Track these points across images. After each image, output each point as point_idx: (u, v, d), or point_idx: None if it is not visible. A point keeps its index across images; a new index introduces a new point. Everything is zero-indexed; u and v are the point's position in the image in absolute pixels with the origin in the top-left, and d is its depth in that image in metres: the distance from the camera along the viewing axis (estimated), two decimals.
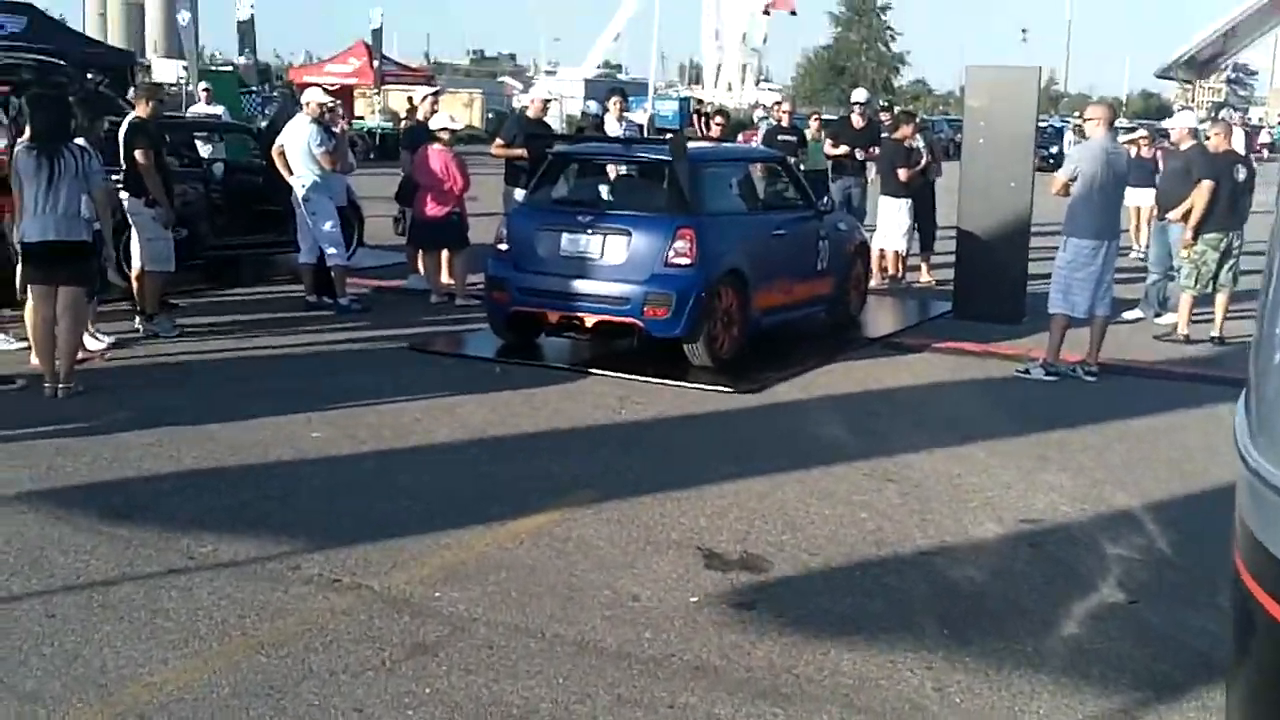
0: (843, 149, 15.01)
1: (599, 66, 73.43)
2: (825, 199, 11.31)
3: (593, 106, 16.36)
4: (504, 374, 9.41)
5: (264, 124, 14.66)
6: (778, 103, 19.35)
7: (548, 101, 14.10)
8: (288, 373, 9.25)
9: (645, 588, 5.33)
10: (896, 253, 14.30)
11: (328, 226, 11.66)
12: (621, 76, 66.27)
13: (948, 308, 12.52)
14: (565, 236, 9.69)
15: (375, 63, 36.99)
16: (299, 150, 11.66)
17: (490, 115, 48.19)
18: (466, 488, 6.65)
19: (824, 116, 18.95)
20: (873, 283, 13.70)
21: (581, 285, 9.53)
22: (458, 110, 40.20)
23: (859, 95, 16.73)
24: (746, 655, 4.72)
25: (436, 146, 12.17)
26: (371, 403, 8.35)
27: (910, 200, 14.07)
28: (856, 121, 15.50)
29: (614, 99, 14.97)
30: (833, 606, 5.22)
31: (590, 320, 9.52)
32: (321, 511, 6.23)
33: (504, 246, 10.03)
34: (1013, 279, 12.05)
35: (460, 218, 12.29)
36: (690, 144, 10.53)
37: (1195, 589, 5.54)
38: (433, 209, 12.18)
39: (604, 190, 10.33)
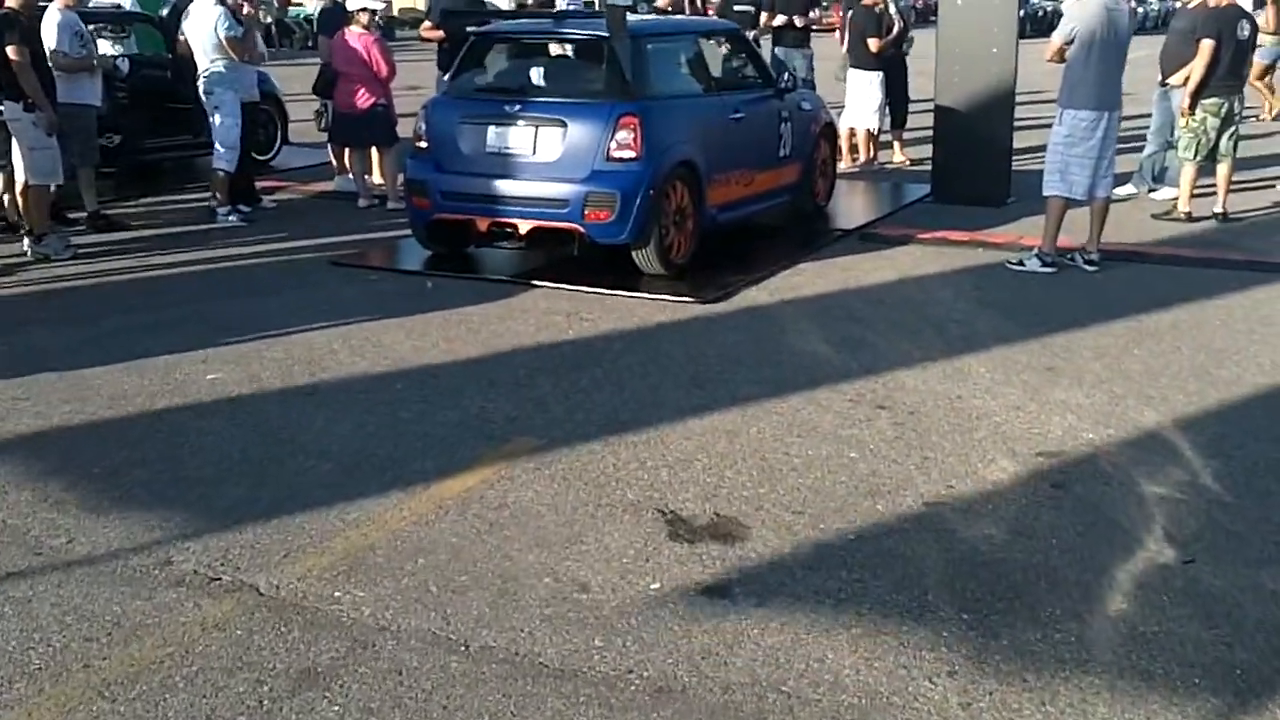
0: (779, 19, 13.74)
1: None
2: (785, 75, 10.12)
3: None
4: (435, 290, 8.33)
5: (165, 12, 13.18)
6: None
7: None
8: (189, 298, 8.12)
9: (595, 573, 4.34)
10: (868, 131, 13.15)
11: (224, 122, 10.41)
12: None
13: (926, 191, 11.44)
14: (491, 130, 8.51)
15: None
16: (203, 38, 10.37)
17: None
18: (384, 439, 5.62)
19: None
20: (842, 165, 12.64)
21: (512, 186, 8.39)
22: None
23: None
24: (722, 667, 3.75)
25: (355, 29, 10.89)
26: (282, 332, 7.26)
27: (882, 73, 12.88)
28: None
29: None
30: (825, 586, 4.25)
31: (524, 226, 8.40)
32: (207, 481, 5.18)
33: (423, 144, 8.85)
34: (996, 156, 10.99)
35: (387, 110, 11.07)
36: (632, 17, 9.31)
37: (1257, 537, 4.60)
38: (354, 100, 10.94)
39: (534, 75, 9.12)
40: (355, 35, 10.85)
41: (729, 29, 10.55)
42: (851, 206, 11.29)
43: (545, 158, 8.35)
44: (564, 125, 8.32)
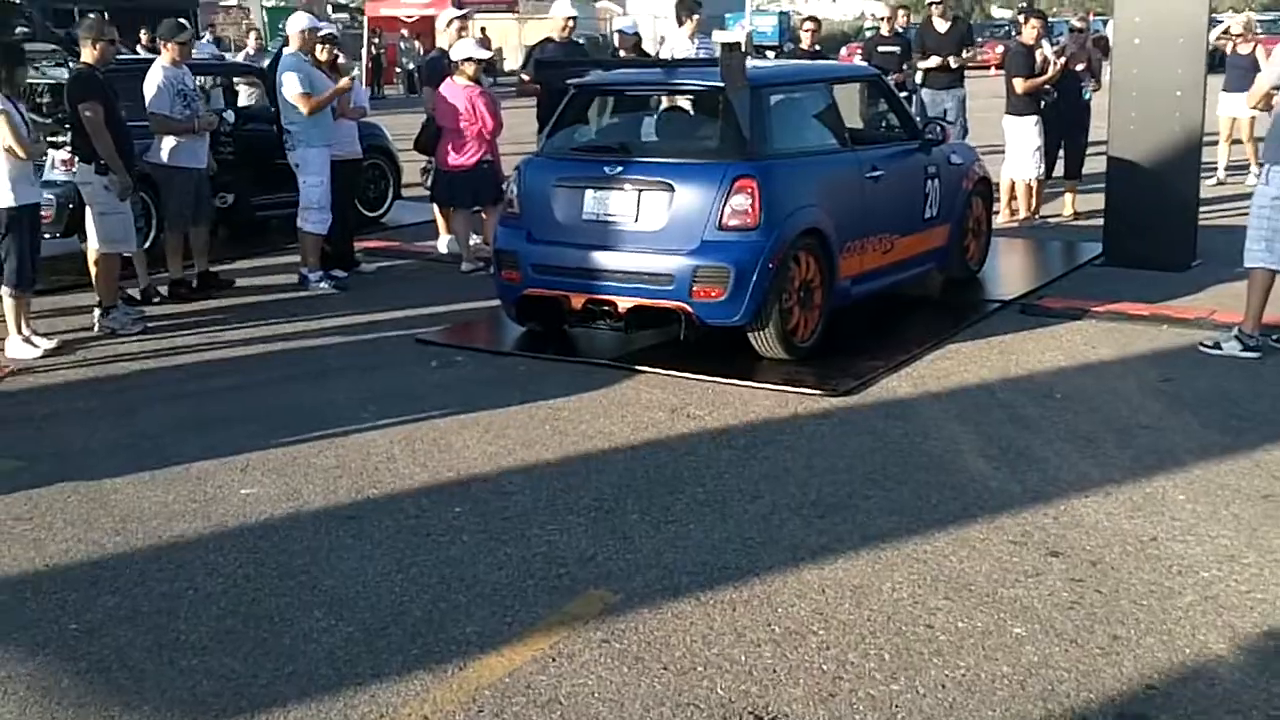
0: (933, 60, 12.48)
1: None
2: (933, 125, 8.86)
3: (628, 24, 13.55)
4: (528, 374, 7.28)
5: (266, 63, 12.52)
6: (888, 16, 15.27)
7: (572, 20, 11.55)
8: (251, 384, 7.22)
9: None
10: (1028, 184, 11.78)
11: (308, 181, 9.56)
12: None
13: (1097, 251, 10.06)
14: (589, 195, 7.45)
15: None
16: (283, 92, 9.58)
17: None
18: (423, 590, 4.54)
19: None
20: (1000, 220, 11.33)
21: (610, 259, 7.31)
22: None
23: None
24: None
25: (459, 81, 9.98)
26: (342, 430, 6.29)
27: (1038, 116, 11.53)
28: (938, 24, 12.88)
29: (687, 12, 12.40)
30: None
31: (624, 304, 7.30)
32: (197, 648, 4.17)
33: (514, 210, 7.84)
34: (1180, 213, 9.60)
35: (493, 167, 10.16)
36: (754, 63, 8.18)
37: None
38: (457, 158, 10.03)
39: (637, 132, 8.07)
40: (459, 88, 9.95)
41: (867, 75, 9.38)
42: (1010, 271, 9.97)
43: (648, 226, 7.26)
44: (670, 189, 7.22)
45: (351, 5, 50.56)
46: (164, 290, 9.28)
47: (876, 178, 8.04)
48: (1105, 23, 14.93)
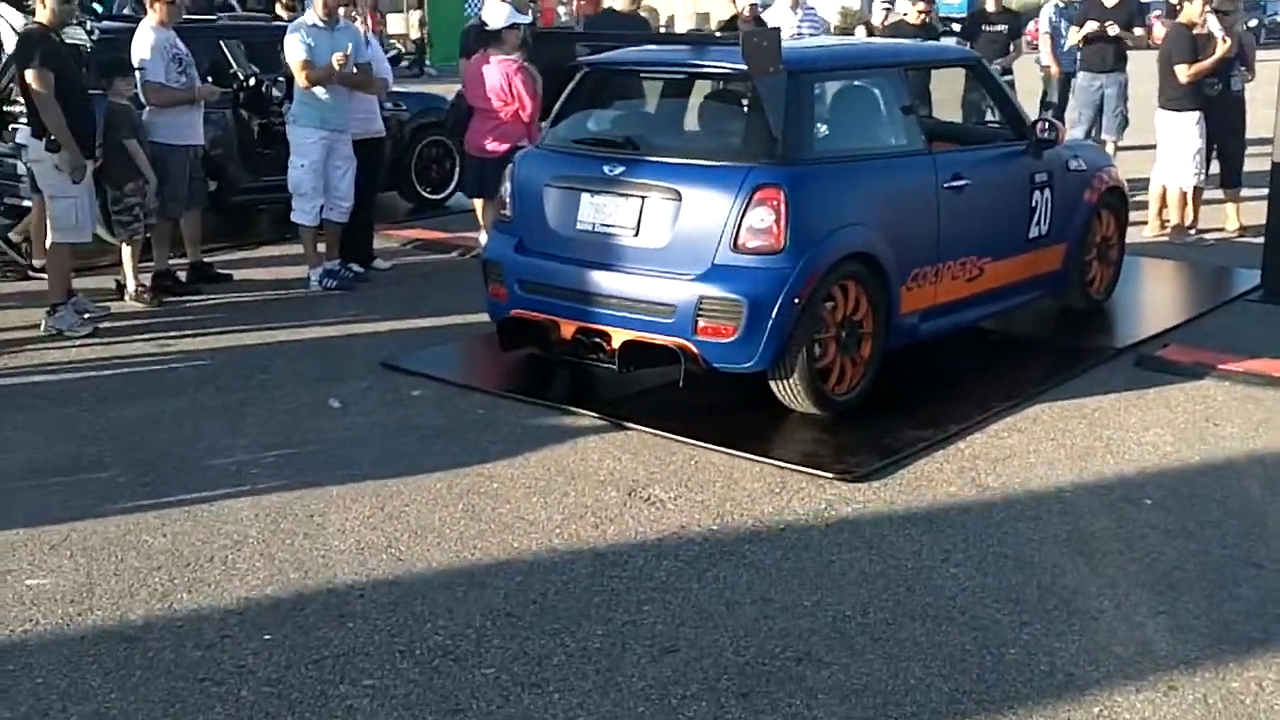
0: (1089, 26, 10.60)
1: None
2: (1042, 121, 7.08)
3: None
4: (483, 421, 5.89)
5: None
6: None
7: None
8: (152, 417, 5.95)
9: None
10: (1182, 190, 9.83)
11: (294, 163, 8.28)
12: None
13: (1256, 282, 8.16)
14: (585, 200, 6.02)
15: None
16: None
17: None
18: None
19: None
20: (1148, 233, 9.50)
21: (605, 280, 5.87)
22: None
23: None
24: None
25: (497, 55, 8.60)
26: (207, 495, 5.01)
27: (1200, 113, 9.56)
28: None
29: None
30: None
31: (618, 338, 5.85)
32: None
33: (506, 212, 6.45)
34: None
35: None
36: (792, 43, 6.59)
37: None
38: (489, 142, 8.66)
39: (649, 124, 6.56)
40: (496, 62, 8.57)
41: (960, 57, 7.66)
42: (1141, 303, 8.16)
43: (650, 242, 5.79)
44: (677, 197, 5.73)
45: None
46: (144, 284, 8.13)
47: (959, 188, 6.38)
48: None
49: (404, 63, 25.09)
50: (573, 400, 6.10)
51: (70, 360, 6.86)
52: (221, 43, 10.21)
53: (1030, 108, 8.27)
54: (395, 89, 10.15)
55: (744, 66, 5.67)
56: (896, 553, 4.50)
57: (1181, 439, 5.62)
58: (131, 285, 7.98)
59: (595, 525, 4.73)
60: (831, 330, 5.79)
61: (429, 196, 11.33)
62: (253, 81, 9.82)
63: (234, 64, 10.21)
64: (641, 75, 6.73)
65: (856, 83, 6.45)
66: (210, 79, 9.12)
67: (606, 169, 5.95)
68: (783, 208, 5.53)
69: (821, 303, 5.69)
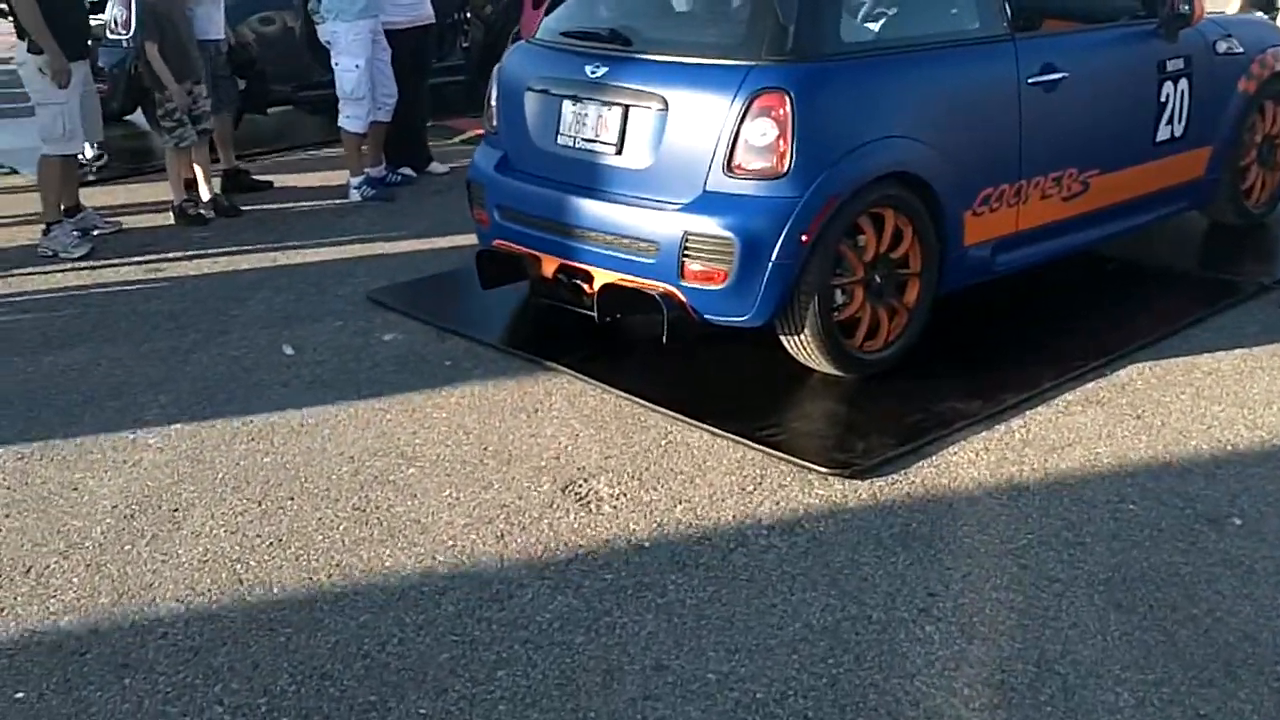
0: None
1: None
2: None
3: None
4: (450, 371, 4.98)
5: None
6: None
7: None
8: (90, 370, 5.21)
9: None
10: None
11: (341, 63, 7.38)
12: None
13: None
14: (566, 108, 4.95)
15: None
16: None
17: None
18: None
19: None
20: None
21: (586, 209, 4.81)
22: None
23: None
24: None
25: None
26: (97, 475, 4.24)
27: None
28: None
29: None
30: None
31: (600, 278, 4.81)
32: None
33: (491, 121, 5.42)
34: None
35: None
36: None
37: None
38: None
39: (645, 11, 5.37)
40: None
41: None
42: None
43: (634, 162, 4.70)
44: (664, 105, 4.60)
45: None
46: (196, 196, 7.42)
47: (1052, 83, 5.05)
48: None
49: None
50: (559, 351, 5.09)
51: (50, 289, 6.22)
52: None
53: None
54: None
55: None
56: (864, 596, 3.39)
57: None
58: (176, 197, 7.27)
59: (501, 535, 3.77)
60: (859, 273, 4.61)
61: None
62: None
63: None
64: None
65: None
66: None
67: (589, 69, 4.85)
68: (788, 118, 4.35)
69: (843, 238, 4.52)
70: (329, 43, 7.40)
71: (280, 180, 8.09)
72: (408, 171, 7.98)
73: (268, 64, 8.93)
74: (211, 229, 7.10)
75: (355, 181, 7.61)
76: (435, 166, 8.15)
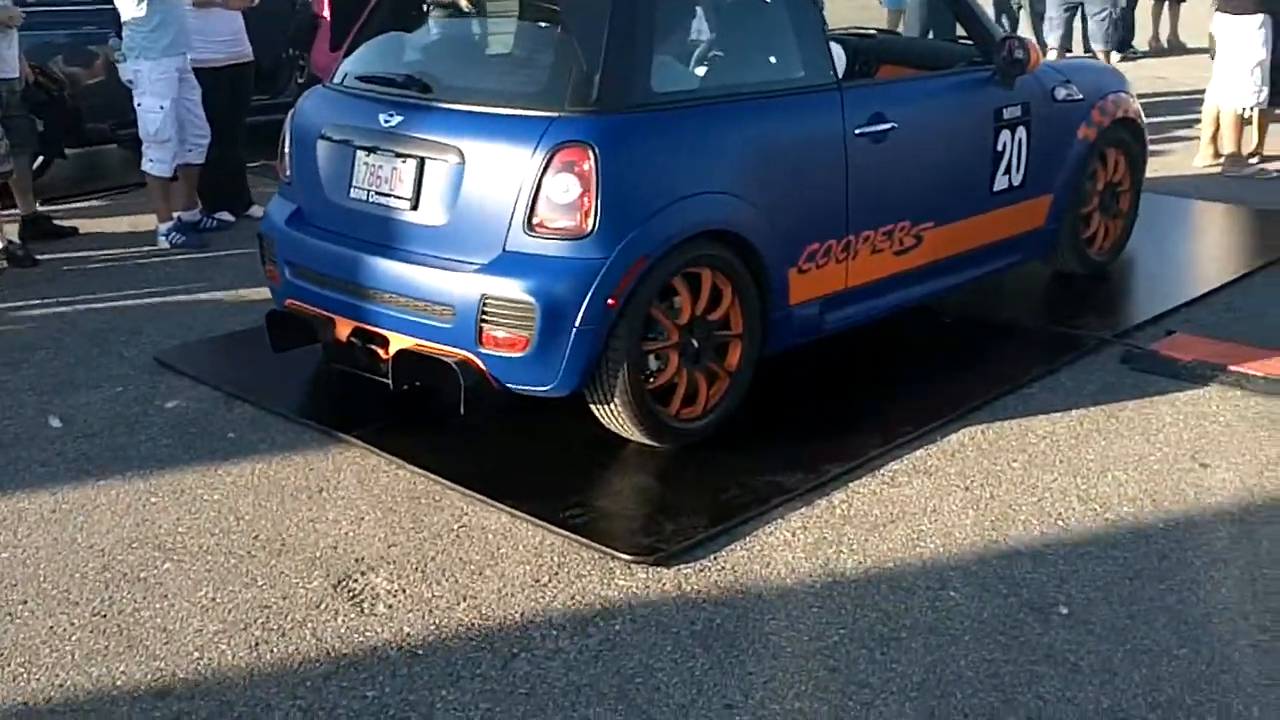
0: None
1: None
2: (1011, 39, 5.38)
3: None
4: (230, 449, 4.52)
5: None
6: None
7: None
8: None
9: None
10: (1238, 115, 8.00)
11: (143, 105, 6.88)
12: None
13: None
14: (360, 158, 4.55)
15: None
16: None
17: None
18: None
19: None
20: (1199, 163, 7.78)
21: (380, 267, 4.41)
22: None
23: None
24: None
25: None
26: None
27: (1266, 16, 7.71)
28: None
29: None
30: None
31: (394, 344, 4.41)
32: None
33: (286, 171, 5.00)
34: None
35: None
36: None
37: None
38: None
39: (446, 55, 5.03)
40: None
41: None
42: (1161, 265, 6.48)
43: (430, 218, 4.32)
44: (460, 158, 4.23)
45: None
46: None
47: (880, 134, 4.78)
48: None
49: None
50: (354, 421, 4.67)
51: None
52: None
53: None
54: None
55: None
56: (654, 710, 3.03)
57: (1150, 492, 4.03)
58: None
59: (256, 644, 3.33)
60: (674, 337, 4.27)
61: None
62: None
63: None
64: None
65: None
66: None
67: (383, 118, 4.47)
68: (592, 174, 4.01)
69: (655, 301, 4.18)
70: (130, 82, 6.89)
71: (87, 226, 7.55)
72: (225, 216, 7.51)
73: (81, 100, 8.37)
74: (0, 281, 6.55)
75: (164, 228, 7.11)
76: (256, 210, 7.63)
